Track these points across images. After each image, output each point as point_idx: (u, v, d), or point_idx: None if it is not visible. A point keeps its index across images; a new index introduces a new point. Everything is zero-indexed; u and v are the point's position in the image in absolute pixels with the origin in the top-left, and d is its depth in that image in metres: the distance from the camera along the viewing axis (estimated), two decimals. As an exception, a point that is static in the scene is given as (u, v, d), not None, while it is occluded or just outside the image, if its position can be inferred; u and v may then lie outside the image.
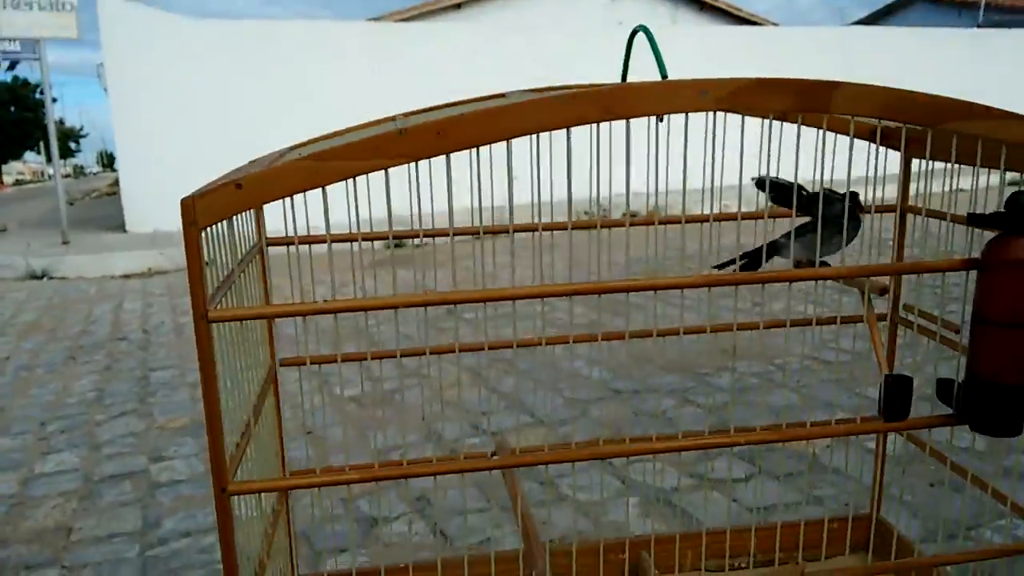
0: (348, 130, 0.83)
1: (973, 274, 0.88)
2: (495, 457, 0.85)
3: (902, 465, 2.06)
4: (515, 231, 0.91)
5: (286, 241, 1.08)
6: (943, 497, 1.93)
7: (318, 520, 1.97)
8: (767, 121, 0.83)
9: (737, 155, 0.81)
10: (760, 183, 1.07)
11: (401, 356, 1.04)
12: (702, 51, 8.91)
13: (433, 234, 1.00)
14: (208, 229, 0.78)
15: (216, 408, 0.80)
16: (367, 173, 0.73)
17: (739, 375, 2.96)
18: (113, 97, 7.84)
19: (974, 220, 0.86)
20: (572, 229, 0.87)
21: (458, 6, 12.56)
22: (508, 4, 12.60)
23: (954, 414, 0.93)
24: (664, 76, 0.79)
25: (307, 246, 0.98)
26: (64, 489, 2.24)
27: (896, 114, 0.75)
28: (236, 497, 0.86)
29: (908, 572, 1.38)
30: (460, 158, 0.74)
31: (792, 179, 1.00)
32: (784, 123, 0.99)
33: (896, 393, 0.90)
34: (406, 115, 0.79)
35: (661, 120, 0.82)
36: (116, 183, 10.82)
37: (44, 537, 1.95)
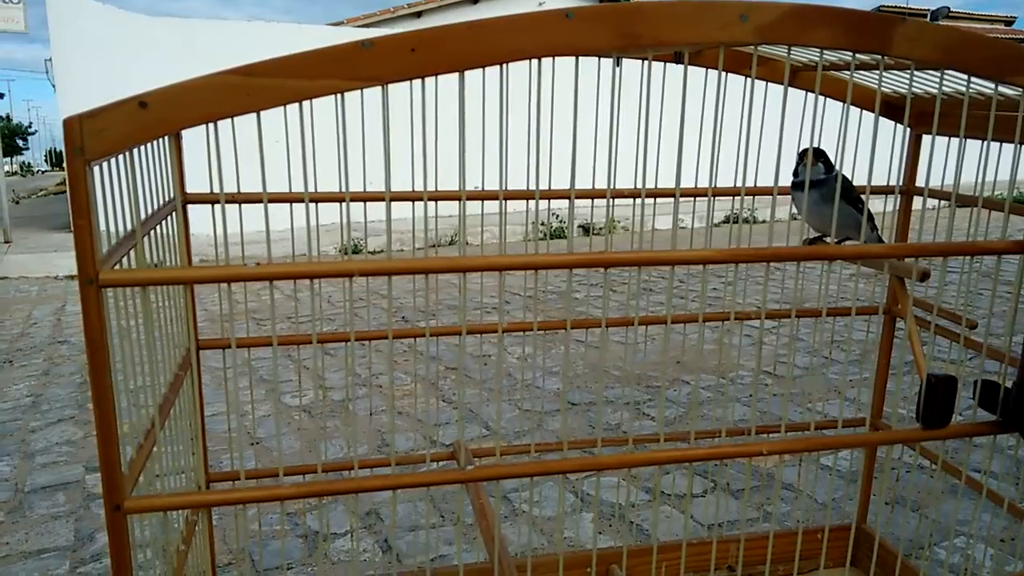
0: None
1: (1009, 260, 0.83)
2: (470, 467, 0.78)
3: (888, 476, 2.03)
4: (506, 198, 0.81)
5: (209, 199, 0.93)
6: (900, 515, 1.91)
7: (262, 536, 1.88)
8: (768, 86, 0.77)
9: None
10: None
11: (369, 339, 0.97)
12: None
13: (408, 197, 0.90)
14: (102, 164, 0.62)
15: (107, 400, 0.64)
16: (316, 97, 0.60)
17: (691, 388, 2.93)
18: (61, 94, 7.63)
19: None
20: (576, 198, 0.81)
21: (418, 15, 12.48)
22: (467, 14, 12.54)
23: (999, 421, 0.85)
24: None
25: (236, 207, 0.83)
26: (-7, 500, 2.12)
27: (960, 60, 0.68)
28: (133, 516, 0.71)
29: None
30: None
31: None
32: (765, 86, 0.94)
33: (939, 396, 0.81)
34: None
35: (680, 61, 0.73)
36: (64, 182, 10.54)
37: (-32, 552, 1.84)
